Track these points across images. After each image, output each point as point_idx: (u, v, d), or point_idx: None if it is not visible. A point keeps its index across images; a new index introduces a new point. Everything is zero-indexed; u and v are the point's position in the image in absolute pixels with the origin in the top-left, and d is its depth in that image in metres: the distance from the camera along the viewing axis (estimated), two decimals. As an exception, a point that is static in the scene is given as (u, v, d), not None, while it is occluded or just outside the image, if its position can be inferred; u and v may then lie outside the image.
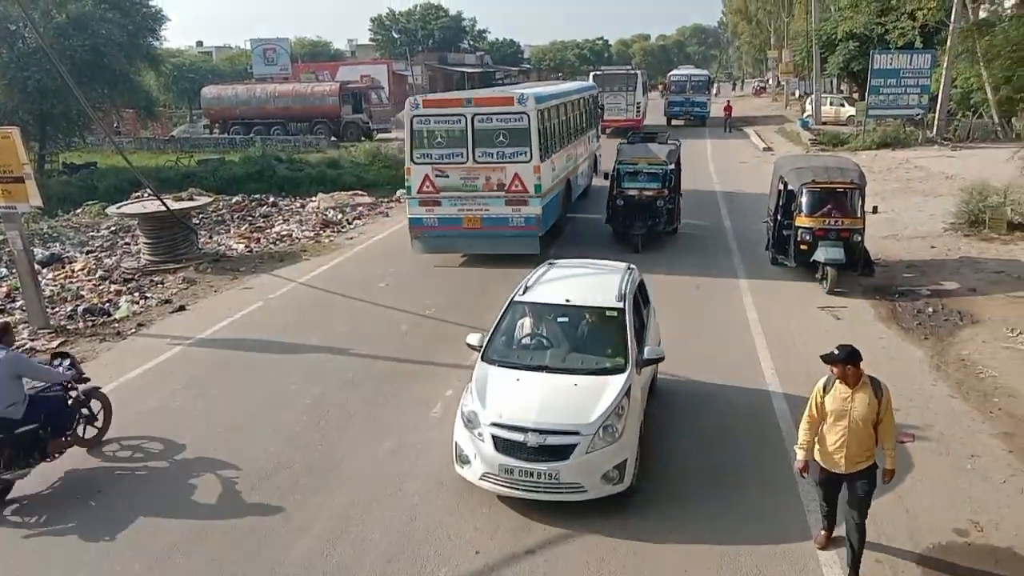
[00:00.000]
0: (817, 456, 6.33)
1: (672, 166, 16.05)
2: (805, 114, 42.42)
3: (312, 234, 19.14)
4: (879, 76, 30.61)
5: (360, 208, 22.45)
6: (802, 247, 13.52)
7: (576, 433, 6.90)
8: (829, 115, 41.42)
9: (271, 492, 7.63)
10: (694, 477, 7.72)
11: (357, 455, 8.21)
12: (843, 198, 13.55)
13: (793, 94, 59.75)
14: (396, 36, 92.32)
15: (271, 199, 23.88)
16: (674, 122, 41.29)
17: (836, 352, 6.14)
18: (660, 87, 60.84)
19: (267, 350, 11.11)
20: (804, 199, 13.63)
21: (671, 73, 44.17)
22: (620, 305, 8.05)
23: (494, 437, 6.97)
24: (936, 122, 30.96)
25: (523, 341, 8.05)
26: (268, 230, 19.66)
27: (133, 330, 12.35)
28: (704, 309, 12.52)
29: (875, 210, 14.12)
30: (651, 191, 15.56)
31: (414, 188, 14.39)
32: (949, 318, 12.10)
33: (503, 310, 8.19)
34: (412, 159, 14.30)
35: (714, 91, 38.51)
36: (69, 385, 8.17)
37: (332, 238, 18.81)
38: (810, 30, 40.35)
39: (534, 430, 6.89)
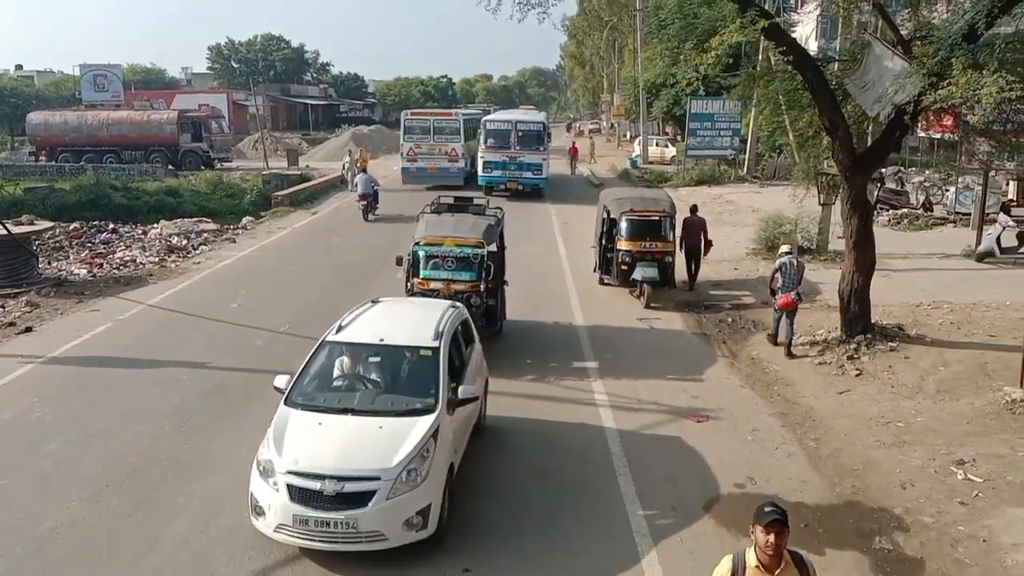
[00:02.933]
0: None
1: (491, 247, 12.35)
2: (634, 154, 46.07)
3: (157, 259, 19.16)
4: (696, 120, 34.18)
5: (205, 235, 22.52)
6: (623, 267, 15.40)
7: (376, 479, 6.70)
8: (656, 155, 45.20)
9: (142, 484, 8.16)
10: (513, 511, 7.72)
11: (225, 450, 8.87)
12: (656, 225, 15.58)
13: (625, 135, 64.31)
14: (236, 66, 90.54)
15: (111, 226, 23.37)
16: (494, 193, 28.41)
17: (767, 509, 4.53)
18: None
19: (122, 365, 11.42)
20: (624, 226, 15.57)
21: (487, 119, 30.38)
22: (435, 344, 7.97)
23: (289, 486, 6.73)
24: (746, 162, 34.83)
25: (335, 383, 7.85)
26: (110, 256, 19.44)
27: (-26, 352, 12.20)
28: (540, 321, 13.96)
29: (678, 237, 16.20)
30: (462, 284, 11.78)
31: (404, 152, 31.14)
32: (744, 326, 14.22)
33: (312, 350, 8.03)
34: (403, 140, 31.34)
35: (549, 144, 30.06)
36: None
37: (178, 263, 18.93)
38: (636, 76, 43.84)
39: (332, 477, 6.66)
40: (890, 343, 12.25)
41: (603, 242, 16.37)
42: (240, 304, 14.92)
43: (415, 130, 32.15)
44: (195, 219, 24.87)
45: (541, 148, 29.20)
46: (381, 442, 6.99)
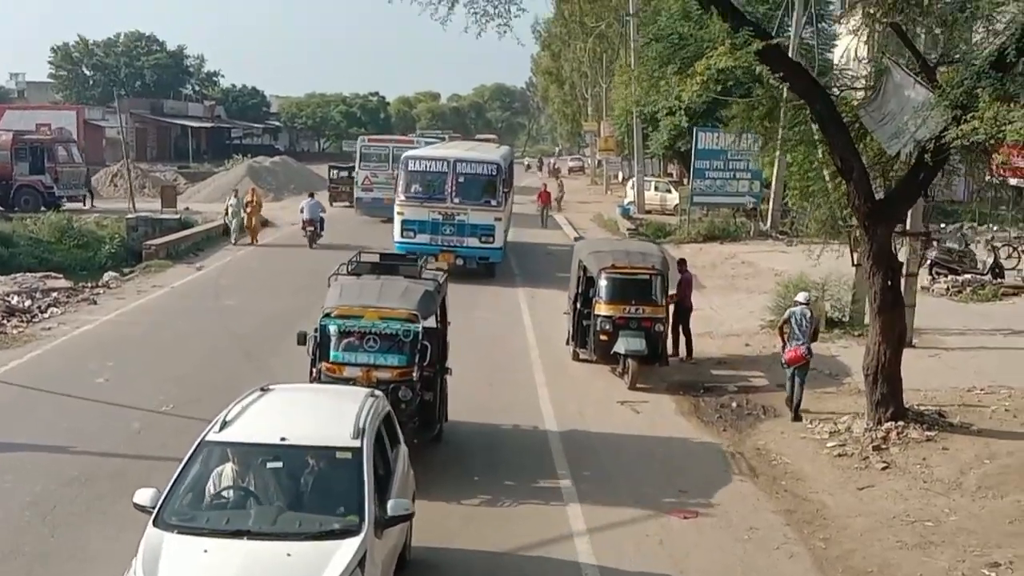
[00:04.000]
0: None
1: (427, 322, 12.69)
2: (626, 200, 48.33)
3: (-7, 323, 20.20)
4: (704, 157, 36.42)
5: (55, 294, 23.65)
6: (602, 338, 16.88)
7: None
8: (654, 202, 47.52)
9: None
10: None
11: (101, 541, 9.99)
12: (644, 285, 17.18)
13: (615, 176, 66.95)
14: (89, 73, 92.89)
15: (-75, 281, 24.41)
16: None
17: None
18: None
19: (-39, 450, 12.49)
20: (603, 285, 17.12)
21: (408, 155, 28.87)
22: (356, 444, 8.27)
23: None
24: (770, 213, 36.98)
25: (219, 498, 8.08)
26: (-77, 318, 20.47)
27: None
28: (496, 408, 15.31)
29: (673, 297, 17.82)
30: (387, 371, 11.97)
31: (360, 181, 36.48)
32: (752, 412, 15.74)
33: (188, 455, 8.28)
34: (358, 168, 38.19)
35: (508, 196, 30.46)
36: None
37: (21, 329, 20.01)
38: (629, 99, 46.01)
39: None
40: (927, 432, 13.82)
41: (578, 306, 17.89)
42: (108, 379, 16.07)
43: (372, 158, 40.43)
44: (39, 274, 25.99)
45: (493, 203, 27.09)
46: (291, 575, 7.31)
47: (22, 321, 20.76)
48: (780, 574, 10.13)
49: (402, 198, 27.37)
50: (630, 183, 51.35)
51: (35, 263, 29.94)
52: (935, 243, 26.83)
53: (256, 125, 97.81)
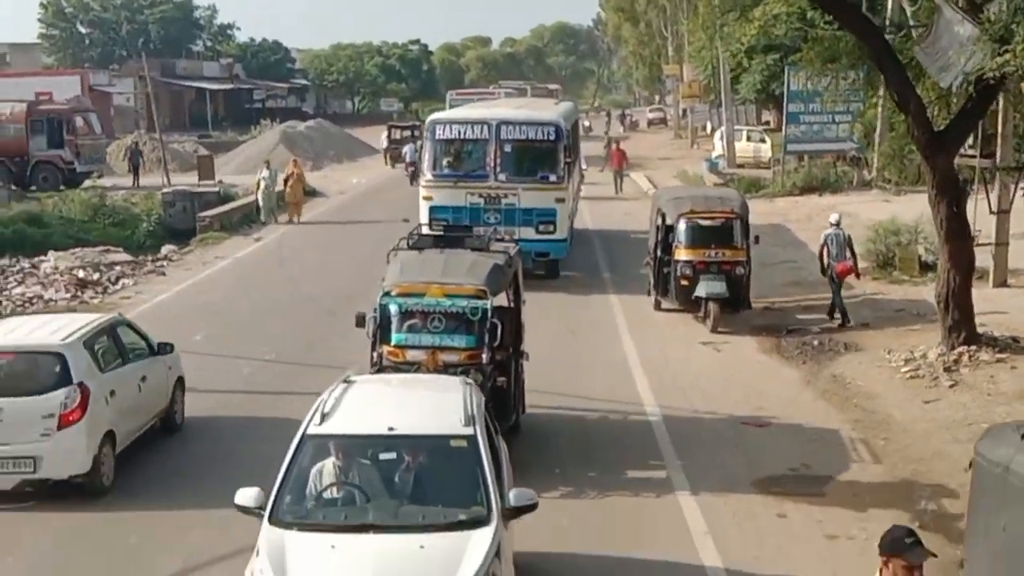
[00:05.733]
0: None
1: (495, 300, 13.54)
2: (714, 154, 52.09)
3: (69, 296, 24.79)
4: (797, 100, 40.09)
5: (118, 267, 28.25)
6: (683, 282, 20.91)
7: None
8: (747, 154, 51.29)
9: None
10: None
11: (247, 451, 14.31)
12: (724, 229, 21.15)
13: (703, 128, 70.49)
14: (85, 32, 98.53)
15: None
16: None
17: (908, 540, 6.36)
18: None
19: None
20: (682, 230, 21.14)
21: (435, 119, 27.82)
22: (470, 431, 9.34)
23: None
24: (874, 160, 40.52)
25: (326, 494, 9.10)
26: (5, 292, 25.09)
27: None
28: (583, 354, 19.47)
29: (757, 240, 21.76)
30: (455, 353, 13.13)
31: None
32: (833, 348, 19.65)
33: (292, 450, 9.31)
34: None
35: (573, 168, 28.83)
36: None
37: (98, 300, 24.56)
38: (714, 34, 49.46)
39: None
40: (998, 354, 17.68)
41: (658, 255, 21.91)
42: (203, 337, 20.48)
43: None
44: (100, 248, 30.60)
45: (552, 178, 25.50)
46: (427, 567, 8.40)
47: (96, 293, 25.37)
48: (842, 461, 14.12)
49: (429, 177, 25.82)
50: (718, 133, 54.98)
51: (70, 243, 33.88)
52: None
53: (280, 85, 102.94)
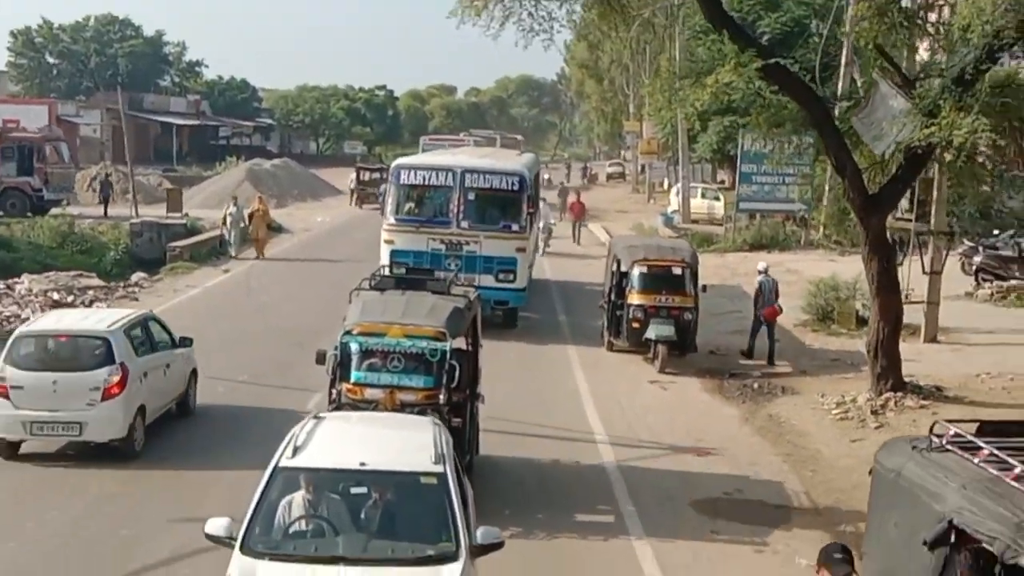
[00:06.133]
0: None
1: (454, 343, 13.93)
2: (670, 208, 53.86)
3: (46, 316, 25.86)
4: (751, 161, 41.78)
5: (91, 291, 29.34)
6: (634, 325, 22.41)
7: None
8: (701, 211, 53.07)
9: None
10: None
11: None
12: (674, 276, 22.67)
13: (661, 183, 72.41)
14: (53, 62, 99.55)
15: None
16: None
17: (837, 555, 7.55)
18: None
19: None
20: (636, 277, 22.66)
21: (400, 164, 27.86)
22: (440, 469, 9.74)
23: None
24: (822, 221, 42.42)
25: (297, 526, 9.49)
26: (-20, 312, 26.17)
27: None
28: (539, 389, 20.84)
29: (704, 288, 23.29)
30: (412, 393, 13.64)
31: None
32: (771, 392, 21.13)
33: (264, 482, 9.70)
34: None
35: (534, 218, 29.81)
36: None
37: (76, 321, 25.65)
38: (671, 97, 51.58)
39: None
40: (922, 401, 19.21)
41: (612, 299, 23.39)
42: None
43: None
44: (73, 272, 31.68)
45: (514, 227, 25.94)
46: None
47: (72, 314, 26.45)
48: (772, 489, 15.53)
49: (391, 220, 26.13)
50: (675, 189, 56.83)
51: (39, 268, 34.80)
52: (981, 248, 32.23)
53: (246, 123, 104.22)
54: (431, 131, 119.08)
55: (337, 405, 13.57)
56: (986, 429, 9.04)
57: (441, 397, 13.50)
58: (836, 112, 18.97)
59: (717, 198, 53.16)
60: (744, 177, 42.15)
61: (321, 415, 11.17)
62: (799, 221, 42.88)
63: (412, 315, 13.86)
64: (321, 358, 14.28)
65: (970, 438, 8.61)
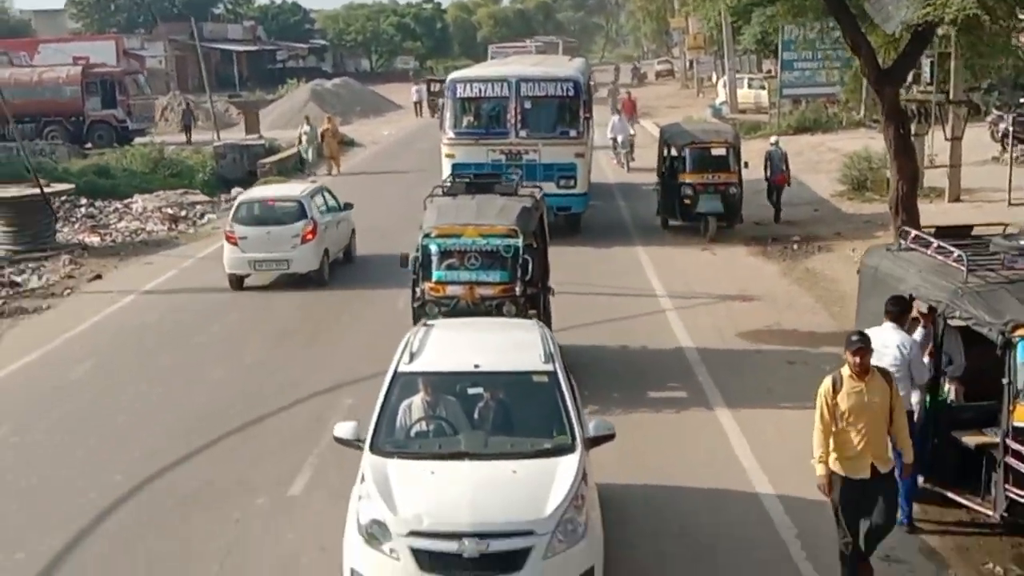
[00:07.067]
0: (836, 467, 9.68)
1: (525, 240, 14.82)
2: (718, 100, 56.49)
3: (165, 227, 29.53)
4: (792, 49, 44.37)
5: (199, 206, 32.92)
6: (686, 201, 25.52)
7: (530, 533, 8.81)
8: (748, 100, 55.66)
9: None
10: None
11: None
12: (719, 157, 25.74)
13: (708, 78, 74.65)
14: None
15: (83, 200, 33.65)
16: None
17: (854, 338, 9.69)
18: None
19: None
20: (686, 158, 25.75)
21: (455, 77, 28.56)
22: (550, 367, 10.31)
23: (415, 551, 8.78)
24: (862, 101, 44.86)
25: (420, 426, 10.10)
26: (111, 226, 29.79)
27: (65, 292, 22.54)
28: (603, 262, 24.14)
29: (746, 165, 26.33)
30: (490, 287, 14.62)
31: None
32: (809, 251, 24.23)
33: (385, 387, 10.29)
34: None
35: (590, 123, 28.74)
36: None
37: (191, 231, 29.31)
38: None
39: (472, 534, 8.68)
40: (939, 248, 22.22)
41: (664, 180, 26.51)
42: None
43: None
44: (179, 191, 35.31)
45: (572, 133, 26.66)
46: (522, 489, 9.23)
47: (187, 225, 30.11)
48: (805, 324, 18.74)
49: (450, 135, 26.86)
50: (721, 82, 59.35)
51: (134, 191, 37.85)
52: (1007, 115, 34.82)
53: (300, 45, 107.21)
54: (479, 41, 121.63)
55: (421, 303, 14.54)
56: (941, 232, 12.21)
57: (517, 289, 14.48)
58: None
59: (763, 87, 55.52)
60: (786, 64, 44.72)
61: (429, 322, 11.93)
62: (840, 103, 45.32)
63: (485, 215, 14.95)
64: (404, 260, 15.29)
65: (926, 237, 11.82)
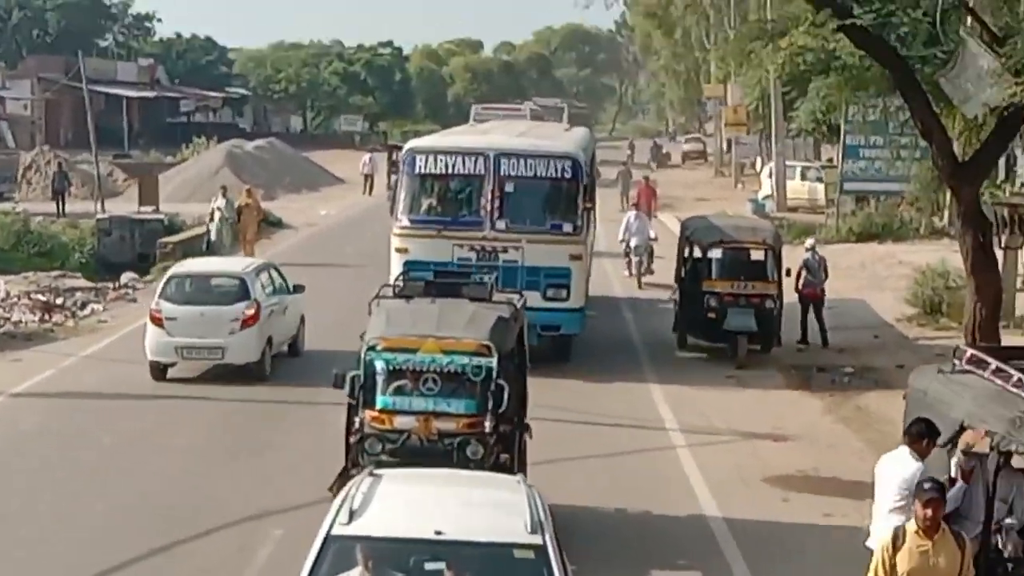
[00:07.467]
0: None
1: (497, 360, 14.88)
2: (761, 194, 58.29)
3: (37, 318, 31.15)
4: (860, 131, 46.17)
5: (79, 293, 34.57)
6: (710, 315, 27.13)
7: None
8: (800, 195, 57.57)
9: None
10: None
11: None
12: (754, 260, 27.50)
13: (751, 164, 76.48)
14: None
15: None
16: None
17: (927, 486, 10.95)
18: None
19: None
20: (713, 261, 27.51)
21: (413, 146, 28.94)
22: (538, 540, 9.96)
23: None
24: (946, 203, 46.59)
25: None
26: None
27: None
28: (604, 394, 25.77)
29: (788, 272, 28.13)
30: (451, 420, 14.74)
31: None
32: (863, 385, 25.91)
33: (313, 556, 9.90)
34: None
35: (589, 215, 28.40)
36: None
37: (71, 323, 30.95)
38: (742, 56, 55.20)
39: None
40: (1024, 390, 23.96)
41: (683, 287, 28.21)
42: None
43: None
44: (54, 273, 36.96)
45: (566, 228, 26.74)
46: None
47: (66, 316, 31.73)
48: (848, 470, 20.38)
49: (404, 223, 26.83)
50: (767, 169, 61.22)
51: None
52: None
53: (213, 94, 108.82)
54: (450, 101, 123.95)
55: (360, 437, 14.52)
56: (1002, 353, 13.94)
57: (487, 425, 14.49)
58: (921, 72, 23.72)
59: (820, 179, 57.28)
60: (850, 151, 46.61)
61: (378, 472, 11.44)
62: (914, 204, 47.22)
63: (448, 326, 14.85)
64: (340, 380, 14.96)
65: (983, 357, 13.54)
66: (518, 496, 10.74)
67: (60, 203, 55.44)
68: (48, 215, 51.55)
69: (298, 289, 27.14)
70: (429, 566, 9.76)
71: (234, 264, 28.73)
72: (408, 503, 10.90)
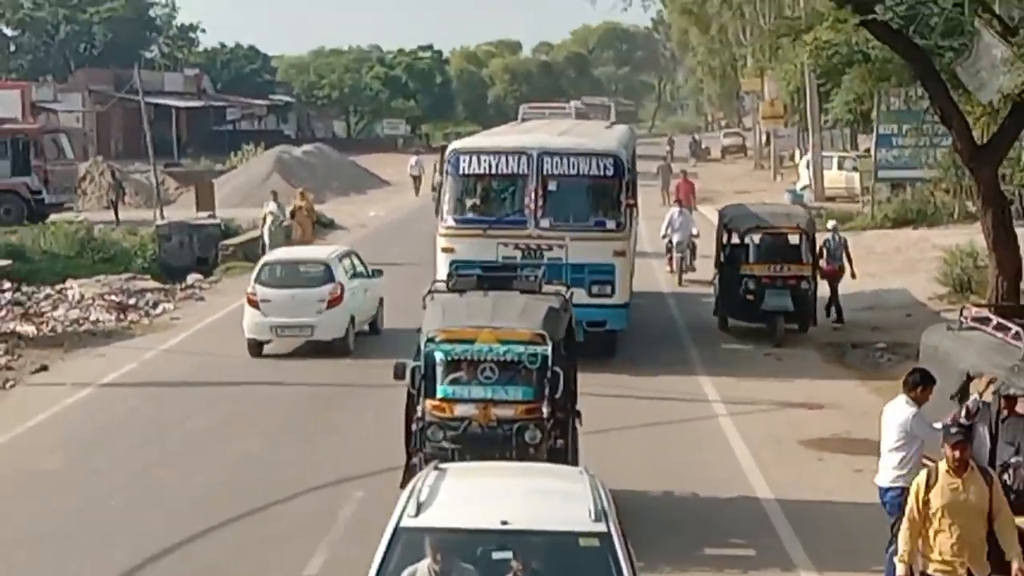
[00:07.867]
0: (928, 568, 11.61)
1: (552, 348, 15.25)
2: (799, 185, 59.82)
3: (113, 317, 33.16)
4: (891, 121, 47.79)
5: (149, 294, 36.61)
6: (748, 297, 28.91)
7: None
8: (838, 184, 59.10)
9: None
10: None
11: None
12: (790, 244, 29.28)
13: (789, 156, 77.93)
14: (11, 34, 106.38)
15: (6, 284, 37.35)
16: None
17: (954, 430, 12.01)
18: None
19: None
20: (750, 246, 29.30)
21: (458, 147, 29.03)
22: (602, 527, 10.10)
23: None
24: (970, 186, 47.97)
25: None
26: (46, 314, 33.45)
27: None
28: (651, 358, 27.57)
29: (820, 254, 29.87)
30: (509, 407, 15.17)
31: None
32: (896, 360, 27.57)
33: (383, 548, 10.08)
34: None
35: (632, 210, 28.75)
36: None
37: (146, 321, 32.99)
38: (771, 52, 55.82)
39: None
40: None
41: (723, 271, 30.02)
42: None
43: None
44: (125, 276, 39.05)
45: (610, 225, 27.25)
46: None
47: (139, 315, 33.77)
48: (876, 432, 21.97)
49: (450, 223, 27.34)
50: (804, 160, 62.82)
51: (55, 279, 39.93)
52: None
53: (258, 102, 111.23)
54: (491, 102, 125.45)
55: (422, 426, 14.99)
56: (1003, 311, 15.71)
57: (544, 410, 14.90)
58: (940, 63, 25.40)
59: (856, 168, 58.21)
60: (883, 140, 48.22)
61: (443, 466, 11.64)
62: (948, 189, 48.09)
63: (503, 317, 15.30)
64: (400, 371, 15.43)
65: (986, 315, 15.32)
66: (581, 485, 10.85)
67: (116, 211, 56.40)
68: (107, 223, 52.92)
69: (377, 273, 30.24)
70: (496, 556, 9.94)
71: (319, 251, 32.84)
72: (473, 495, 11.05)
